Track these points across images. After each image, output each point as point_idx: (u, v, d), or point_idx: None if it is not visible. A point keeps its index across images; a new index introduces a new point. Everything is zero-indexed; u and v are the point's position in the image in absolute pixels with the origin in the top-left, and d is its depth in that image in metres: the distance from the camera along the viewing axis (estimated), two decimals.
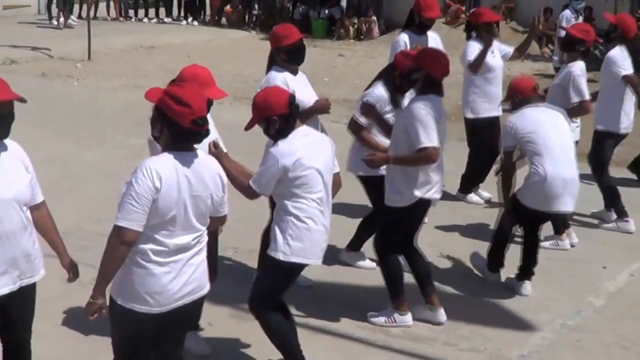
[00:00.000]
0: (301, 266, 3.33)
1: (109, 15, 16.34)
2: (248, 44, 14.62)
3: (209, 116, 2.73)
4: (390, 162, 3.83)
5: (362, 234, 4.59)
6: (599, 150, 5.46)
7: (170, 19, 16.76)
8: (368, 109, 4.18)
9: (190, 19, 16.64)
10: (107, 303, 2.66)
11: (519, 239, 4.52)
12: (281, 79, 4.01)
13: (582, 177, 5.69)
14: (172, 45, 13.57)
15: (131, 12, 16.73)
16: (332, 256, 4.60)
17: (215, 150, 3.12)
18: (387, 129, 4.14)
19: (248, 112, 3.32)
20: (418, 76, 3.80)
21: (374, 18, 15.62)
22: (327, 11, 16.09)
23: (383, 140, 4.16)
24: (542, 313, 4.15)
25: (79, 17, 15.11)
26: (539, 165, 4.12)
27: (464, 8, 15.05)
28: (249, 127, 3.32)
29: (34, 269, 2.81)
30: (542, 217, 4.37)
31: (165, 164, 2.56)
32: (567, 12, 9.94)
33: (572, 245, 5.09)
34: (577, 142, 5.13)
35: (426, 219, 5.04)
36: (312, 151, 3.24)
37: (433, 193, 3.83)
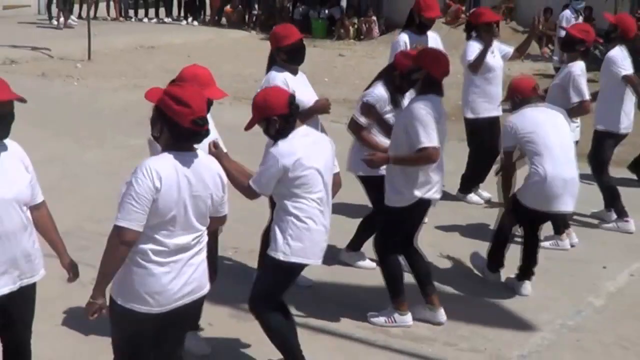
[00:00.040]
0: (301, 266, 3.34)
1: (109, 15, 16.34)
2: (248, 44, 14.62)
3: (208, 116, 2.73)
4: (390, 162, 3.83)
5: (362, 234, 4.59)
6: (599, 150, 5.46)
7: (170, 19, 16.77)
8: (368, 109, 4.18)
9: (190, 19, 16.64)
10: (107, 303, 2.66)
11: (519, 239, 4.52)
12: (281, 79, 4.02)
13: (582, 177, 5.69)
14: (172, 45, 13.57)
15: (131, 12, 16.74)
16: (332, 256, 4.60)
17: (215, 150, 3.13)
18: (387, 129, 4.14)
19: (248, 112, 3.33)
20: (418, 76, 3.80)
21: (374, 18, 15.63)
22: (327, 11, 16.10)
23: (383, 140, 4.16)
24: (542, 313, 4.15)
25: (79, 17, 15.12)
26: (539, 165, 4.12)
27: (464, 8, 15.06)
28: (249, 127, 3.32)
29: (34, 269, 2.81)
30: (542, 217, 4.37)
31: (165, 164, 2.56)
32: (567, 12, 9.94)
33: (572, 245, 5.09)
34: (577, 142, 5.14)
35: (426, 219, 5.04)
36: (312, 151, 3.24)
37: (433, 193, 3.83)
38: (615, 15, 7.43)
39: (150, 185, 2.50)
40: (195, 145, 2.66)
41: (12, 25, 14.30)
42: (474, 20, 5.70)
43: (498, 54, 5.63)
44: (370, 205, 4.52)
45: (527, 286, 4.37)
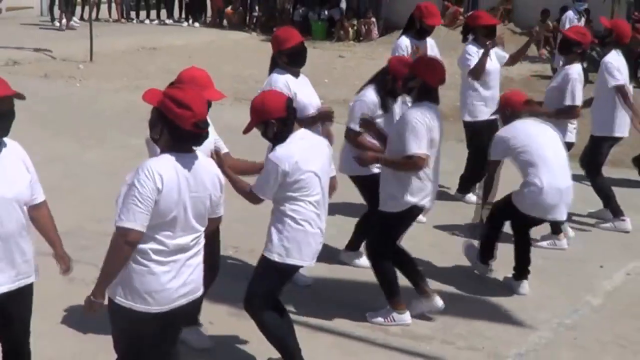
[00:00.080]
0: (296, 267, 3.37)
1: (110, 16, 16.38)
2: (248, 45, 14.66)
3: (207, 118, 2.75)
4: (380, 163, 3.90)
5: (360, 234, 4.61)
6: (594, 153, 5.50)
7: (171, 21, 16.81)
8: (367, 124, 4.19)
9: (191, 21, 16.67)
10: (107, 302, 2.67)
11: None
12: (283, 81, 4.05)
13: (581, 177, 5.74)
14: (173, 47, 13.60)
15: (133, 14, 16.79)
16: (331, 256, 4.64)
17: (218, 160, 3.13)
18: (384, 141, 4.18)
19: (248, 113, 3.35)
20: (414, 84, 3.85)
21: (373, 20, 15.67)
22: (326, 12, 16.13)
23: (376, 142, 4.20)
24: (540, 312, 4.18)
25: (81, 18, 15.16)
26: (535, 177, 4.18)
27: (461, 10, 15.09)
28: (247, 130, 3.35)
29: (31, 269, 2.82)
30: (536, 222, 4.43)
31: (166, 165, 2.57)
32: (570, 14, 9.94)
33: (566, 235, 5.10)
34: (573, 144, 5.19)
35: (425, 219, 5.08)
36: (310, 154, 3.27)
37: (428, 201, 3.88)
38: (611, 19, 7.45)
39: (153, 186, 2.52)
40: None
41: (15, 26, 14.34)
42: (471, 22, 5.74)
43: (495, 57, 5.67)
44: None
45: (525, 285, 4.40)
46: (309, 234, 3.28)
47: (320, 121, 4.12)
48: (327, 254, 4.46)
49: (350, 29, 15.67)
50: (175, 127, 2.57)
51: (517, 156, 4.26)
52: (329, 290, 4.37)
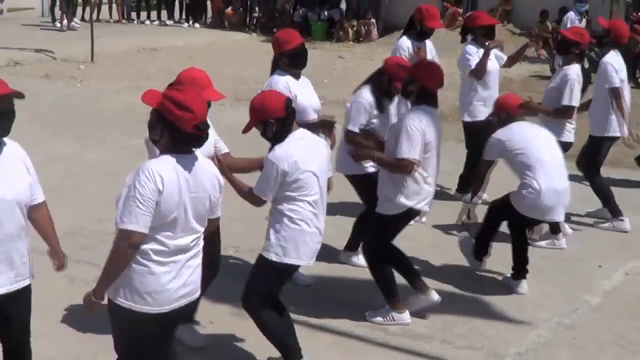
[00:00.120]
0: (294, 267, 3.38)
1: (111, 17, 16.41)
2: (249, 46, 14.69)
3: (207, 119, 2.77)
4: (374, 161, 3.95)
5: (358, 234, 4.63)
6: (593, 153, 5.50)
7: (172, 22, 16.83)
8: (367, 135, 4.21)
9: (191, 21, 16.70)
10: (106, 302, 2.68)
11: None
12: (283, 83, 4.06)
13: (581, 178, 5.76)
14: (173, 48, 13.63)
15: (133, 15, 16.81)
16: (331, 256, 4.65)
17: (219, 165, 3.13)
18: (383, 149, 4.22)
19: (248, 114, 3.38)
20: (413, 88, 3.87)
21: (373, 20, 15.68)
22: (326, 13, 16.15)
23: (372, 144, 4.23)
24: (539, 311, 4.19)
25: (82, 19, 15.19)
26: (532, 180, 4.20)
27: (460, 11, 15.10)
28: (246, 130, 3.37)
29: (29, 270, 2.83)
30: (535, 222, 4.45)
31: (166, 166, 2.58)
32: (572, 14, 9.95)
33: (565, 234, 5.11)
34: (571, 144, 5.20)
35: (424, 219, 5.10)
36: (309, 154, 3.28)
37: (424, 205, 3.90)
38: (609, 19, 7.47)
39: (154, 187, 2.52)
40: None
41: (16, 27, 14.36)
42: (470, 23, 5.76)
43: (494, 57, 5.69)
44: None
45: (524, 285, 4.42)
46: (306, 234, 3.29)
47: (320, 129, 4.13)
48: (327, 254, 4.48)
49: (350, 29, 15.69)
50: (176, 128, 2.57)
51: (514, 158, 4.28)
52: (329, 289, 4.38)
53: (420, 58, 5.42)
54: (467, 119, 5.78)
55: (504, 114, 4.42)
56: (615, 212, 5.47)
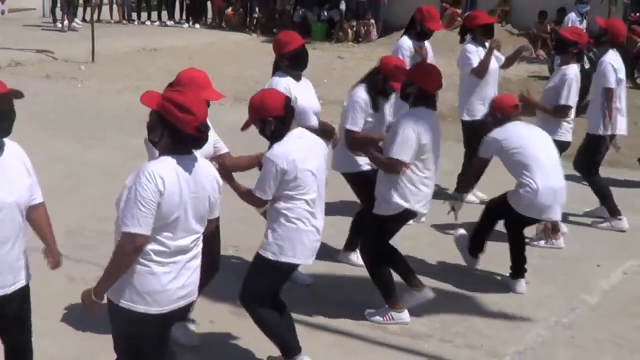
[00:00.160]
0: (291, 266, 3.38)
1: (112, 18, 16.42)
2: (249, 46, 14.70)
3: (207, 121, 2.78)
4: (368, 156, 4.00)
5: (356, 234, 4.63)
6: (591, 152, 5.51)
7: (172, 22, 16.84)
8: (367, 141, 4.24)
9: (192, 22, 16.71)
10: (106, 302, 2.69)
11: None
12: (284, 85, 4.07)
13: (580, 178, 5.77)
14: (174, 48, 13.64)
15: (134, 15, 16.82)
16: (331, 255, 4.67)
17: (221, 171, 3.12)
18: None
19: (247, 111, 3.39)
20: (411, 91, 3.89)
21: (372, 21, 15.69)
22: (326, 14, 16.17)
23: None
24: (538, 311, 4.20)
25: (83, 20, 15.22)
26: (530, 179, 4.21)
27: (460, 11, 15.11)
28: (245, 127, 3.38)
29: (26, 271, 2.84)
30: (532, 221, 4.46)
31: (167, 167, 2.59)
32: (573, 15, 9.95)
33: (563, 233, 5.13)
34: (569, 144, 5.22)
35: (423, 219, 5.11)
36: (307, 153, 3.30)
37: (421, 207, 3.91)
38: (607, 19, 7.48)
39: (155, 189, 2.53)
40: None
41: (18, 28, 14.38)
42: (469, 23, 5.78)
43: (493, 57, 5.69)
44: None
45: (522, 284, 4.44)
46: (302, 232, 3.30)
47: (320, 136, 4.15)
48: (327, 254, 4.50)
49: (349, 30, 15.70)
50: (177, 130, 2.58)
51: (511, 157, 4.30)
52: (329, 289, 4.40)
53: (423, 57, 5.46)
54: (466, 118, 5.79)
55: (500, 114, 4.44)
56: (613, 211, 5.48)
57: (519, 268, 4.44)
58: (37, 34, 14.01)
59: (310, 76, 4.46)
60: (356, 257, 4.67)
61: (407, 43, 5.48)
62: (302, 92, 4.15)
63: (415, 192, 3.85)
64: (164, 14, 16.90)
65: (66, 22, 14.40)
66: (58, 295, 3.92)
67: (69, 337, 3.73)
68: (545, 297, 4.41)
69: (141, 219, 2.51)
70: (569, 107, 5.08)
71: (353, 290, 4.38)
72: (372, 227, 4.01)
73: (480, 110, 5.68)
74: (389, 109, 4.43)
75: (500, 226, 4.56)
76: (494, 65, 5.70)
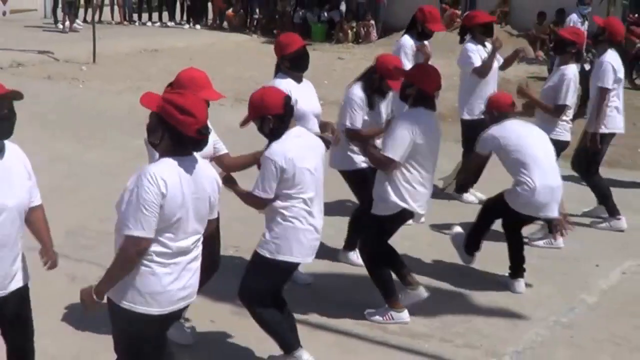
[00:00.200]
0: (289, 264, 3.37)
1: (113, 19, 16.44)
2: (249, 47, 14.71)
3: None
4: (362, 150, 4.05)
5: (354, 233, 4.64)
6: (592, 151, 5.52)
7: (173, 23, 16.86)
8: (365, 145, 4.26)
9: (192, 23, 16.73)
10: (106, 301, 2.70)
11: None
12: (284, 87, 4.07)
13: (579, 178, 5.77)
14: (175, 49, 13.66)
15: (135, 16, 16.83)
16: (330, 255, 4.69)
17: (224, 181, 3.14)
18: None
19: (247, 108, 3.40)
20: (410, 91, 3.91)
21: (372, 22, 15.70)
22: (326, 15, 16.18)
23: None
24: (537, 310, 4.21)
25: (84, 20, 15.23)
26: (527, 177, 4.23)
27: (459, 12, 15.12)
28: (243, 124, 3.40)
29: (25, 271, 2.85)
30: (528, 219, 4.47)
31: (168, 169, 2.59)
32: (574, 16, 9.95)
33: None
34: (568, 143, 5.23)
35: (423, 219, 5.13)
36: (305, 152, 3.31)
37: (418, 206, 3.92)
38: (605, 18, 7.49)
39: (157, 191, 2.53)
40: None
41: (19, 29, 14.40)
42: (468, 22, 5.80)
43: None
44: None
45: (521, 284, 4.45)
46: (299, 231, 3.30)
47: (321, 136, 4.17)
48: (326, 253, 4.51)
49: (349, 31, 15.71)
50: (177, 133, 2.58)
51: (509, 155, 4.30)
52: (329, 289, 4.41)
53: (427, 54, 5.49)
54: (466, 116, 5.81)
55: (497, 112, 4.45)
56: (612, 211, 5.49)
57: (517, 267, 4.46)
58: (38, 34, 14.03)
59: (310, 77, 4.48)
60: (356, 256, 4.68)
61: (408, 42, 5.51)
62: (302, 94, 4.16)
63: (412, 191, 3.86)
64: (165, 14, 16.91)
65: (67, 23, 14.42)
66: (58, 294, 3.94)
67: (69, 336, 3.74)
68: (544, 296, 4.42)
69: (144, 222, 2.52)
70: (565, 106, 5.10)
71: (352, 289, 4.39)
72: (370, 227, 4.03)
73: (480, 110, 5.69)
74: (384, 107, 4.45)
75: (499, 226, 4.57)
76: (494, 64, 5.72)
